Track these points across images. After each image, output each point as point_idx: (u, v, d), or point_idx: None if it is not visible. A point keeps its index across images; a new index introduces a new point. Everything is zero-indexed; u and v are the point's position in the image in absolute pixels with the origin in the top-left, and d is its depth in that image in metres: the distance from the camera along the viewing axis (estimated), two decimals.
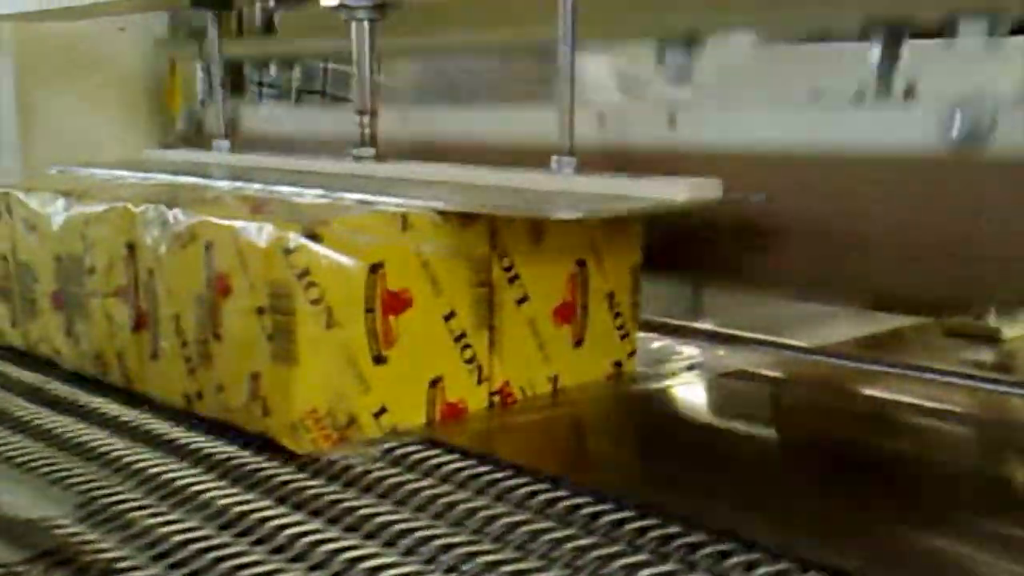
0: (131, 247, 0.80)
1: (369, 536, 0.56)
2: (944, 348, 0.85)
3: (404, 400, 0.71)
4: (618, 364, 0.84)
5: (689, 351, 0.90)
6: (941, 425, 0.75)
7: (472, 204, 0.75)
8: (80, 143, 1.33)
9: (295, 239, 0.66)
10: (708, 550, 0.53)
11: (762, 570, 0.51)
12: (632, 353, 0.85)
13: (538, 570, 0.52)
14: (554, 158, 0.87)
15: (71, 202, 0.86)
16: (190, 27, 1.34)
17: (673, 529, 0.55)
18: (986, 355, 0.84)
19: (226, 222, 0.71)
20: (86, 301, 0.85)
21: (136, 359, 0.81)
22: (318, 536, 0.56)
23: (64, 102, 1.32)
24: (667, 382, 0.83)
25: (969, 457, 0.71)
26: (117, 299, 0.82)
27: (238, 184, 0.92)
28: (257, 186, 0.90)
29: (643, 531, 0.55)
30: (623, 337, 0.84)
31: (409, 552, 0.54)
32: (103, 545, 0.56)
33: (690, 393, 0.83)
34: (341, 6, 0.99)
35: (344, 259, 0.68)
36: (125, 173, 1.05)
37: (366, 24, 1.00)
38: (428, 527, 0.56)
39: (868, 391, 0.81)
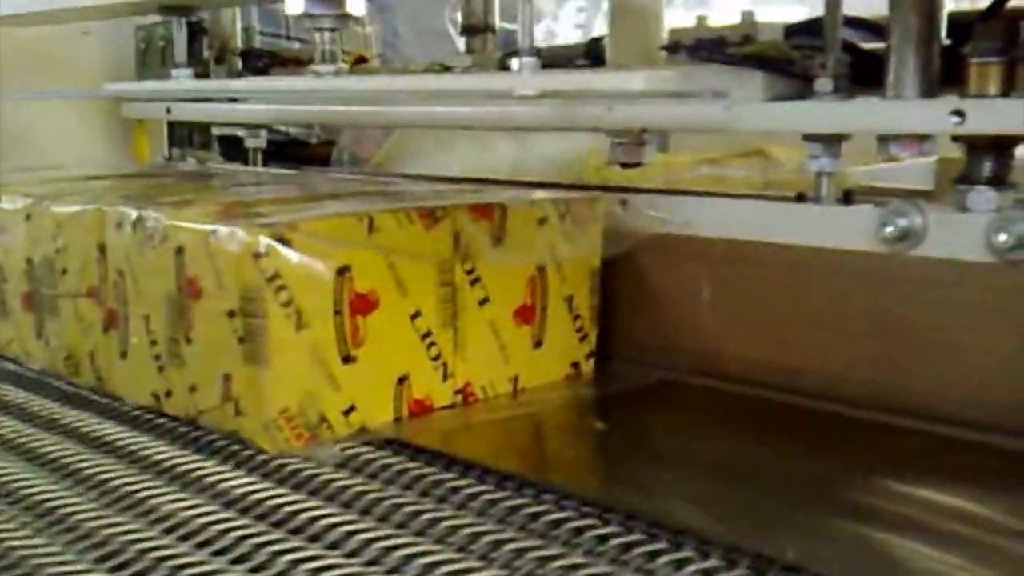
0: (103, 249, 0.81)
1: (319, 541, 0.57)
2: None
3: (372, 398, 0.73)
4: (575, 365, 0.87)
5: None
6: None
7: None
8: (46, 146, 1.34)
9: (265, 243, 0.68)
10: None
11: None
12: (590, 355, 0.87)
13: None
14: (514, 60, 0.82)
15: (43, 204, 0.88)
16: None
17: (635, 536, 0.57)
18: None
19: (197, 226, 0.73)
20: (57, 302, 0.86)
21: (106, 359, 0.82)
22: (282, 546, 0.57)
23: (29, 105, 1.33)
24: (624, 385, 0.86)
25: None
26: (88, 300, 0.83)
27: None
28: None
29: (602, 537, 0.57)
30: (581, 339, 0.86)
31: (372, 562, 0.55)
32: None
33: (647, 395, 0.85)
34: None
35: (313, 262, 0.69)
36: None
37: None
38: (389, 536, 0.57)
39: None
